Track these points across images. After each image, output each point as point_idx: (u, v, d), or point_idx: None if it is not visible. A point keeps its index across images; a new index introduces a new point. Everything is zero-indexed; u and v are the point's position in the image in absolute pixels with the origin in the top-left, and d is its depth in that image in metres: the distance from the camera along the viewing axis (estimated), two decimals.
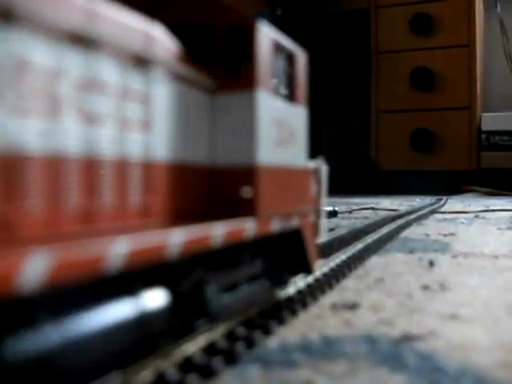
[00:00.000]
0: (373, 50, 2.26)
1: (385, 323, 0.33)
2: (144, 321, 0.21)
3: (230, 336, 0.28)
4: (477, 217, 1.07)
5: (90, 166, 0.20)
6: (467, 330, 0.31)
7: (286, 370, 0.25)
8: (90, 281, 0.18)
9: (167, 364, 0.23)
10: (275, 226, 0.31)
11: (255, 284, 0.31)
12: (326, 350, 0.28)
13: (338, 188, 2.23)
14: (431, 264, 0.52)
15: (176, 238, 0.21)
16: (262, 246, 0.32)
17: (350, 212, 1.17)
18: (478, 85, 2.16)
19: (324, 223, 0.41)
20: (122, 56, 0.22)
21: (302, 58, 0.37)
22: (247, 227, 0.27)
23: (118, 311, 0.20)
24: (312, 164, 0.39)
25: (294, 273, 0.37)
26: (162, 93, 0.25)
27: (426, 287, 0.42)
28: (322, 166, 0.40)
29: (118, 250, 0.18)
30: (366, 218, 1.01)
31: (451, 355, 0.27)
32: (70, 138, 0.19)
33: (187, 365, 0.24)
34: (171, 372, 0.23)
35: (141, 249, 0.19)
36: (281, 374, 0.25)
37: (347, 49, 2.36)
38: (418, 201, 1.57)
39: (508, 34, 2.38)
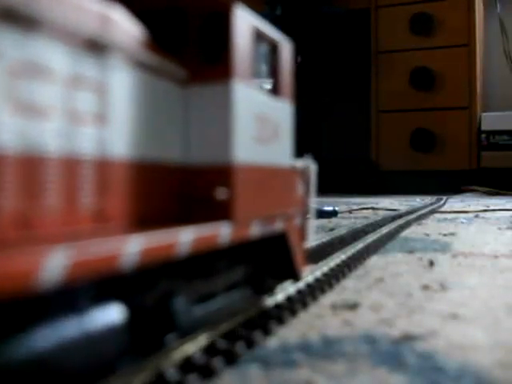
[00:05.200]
0: (373, 50, 2.26)
1: (385, 323, 0.33)
2: (90, 340, 0.19)
3: (230, 336, 0.28)
4: (477, 216, 1.07)
5: (30, 164, 0.18)
6: (467, 330, 0.31)
7: (286, 369, 0.25)
8: (22, 299, 0.16)
9: (167, 364, 0.23)
10: (255, 230, 0.28)
11: (235, 293, 0.29)
12: (325, 349, 0.28)
13: (338, 188, 2.24)
14: (431, 264, 0.52)
15: (133, 246, 0.19)
16: (243, 251, 0.30)
17: (350, 212, 1.17)
18: (478, 85, 2.17)
19: (312, 226, 0.38)
20: (71, 39, 0.20)
21: (286, 48, 0.34)
22: (221, 232, 0.25)
23: (55, 333, 0.17)
24: (299, 163, 0.36)
25: (281, 280, 0.35)
26: (121, 82, 0.22)
27: (425, 287, 0.42)
28: (310, 166, 0.37)
29: (56, 261, 0.16)
30: (366, 217, 1.01)
31: (451, 355, 0.27)
32: (2, 131, 0.17)
33: (187, 365, 0.24)
34: (171, 372, 0.23)
35: (85, 259, 0.17)
36: (281, 373, 0.25)
37: (347, 49, 2.36)
38: (417, 200, 1.57)
39: (508, 34, 2.38)
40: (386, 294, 0.40)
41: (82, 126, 0.20)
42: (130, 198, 0.23)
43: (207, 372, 0.24)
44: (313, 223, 0.38)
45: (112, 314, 0.20)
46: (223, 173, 0.26)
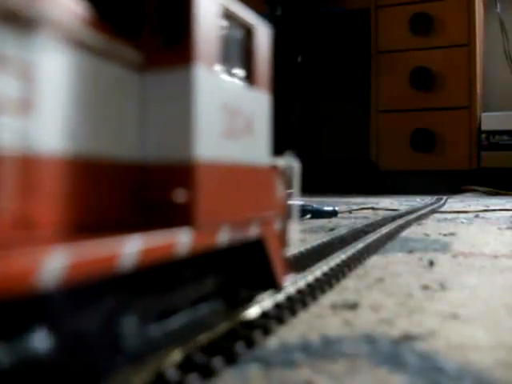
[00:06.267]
0: (373, 50, 2.26)
1: (385, 323, 0.33)
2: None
3: (230, 336, 0.28)
4: (477, 216, 1.07)
5: None
6: (467, 330, 0.31)
7: (285, 369, 0.25)
8: None
9: (167, 364, 0.23)
10: (223, 237, 0.25)
11: (203, 307, 0.26)
12: (325, 349, 0.28)
13: (338, 188, 2.24)
14: (431, 264, 0.52)
15: (56, 260, 0.16)
16: (213, 260, 0.27)
17: (350, 212, 1.17)
18: (478, 85, 2.17)
19: (295, 231, 0.34)
20: None
21: (263, 32, 0.30)
22: (179, 240, 0.21)
23: None
24: (280, 162, 0.33)
25: (259, 290, 0.32)
26: (54, 64, 0.19)
27: (425, 287, 0.42)
28: (292, 164, 0.34)
29: None
30: (366, 217, 1.01)
31: (451, 355, 0.27)
32: None
33: (187, 365, 0.24)
34: (171, 372, 0.23)
35: None
36: (281, 373, 0.25)
37: (347, 48, 2.36)
38: (417, 200, 1.57)
39: (508, 34, 2.38)
40: (385, 294, 0.40)
41: None
42: (66, 202, 0.19)
43: (207, 372, 0.24)
44: (296, 227, 0.35)
45: (31, 343, 0.17)
46: (182, 172, 0.23)
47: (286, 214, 0.33)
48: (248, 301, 0.31)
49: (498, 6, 2.35)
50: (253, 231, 0.28)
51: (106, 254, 0.18)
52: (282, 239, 0.33)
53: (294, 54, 2.32)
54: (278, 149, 0.34)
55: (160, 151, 0.23)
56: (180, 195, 0.23)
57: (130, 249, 0.19)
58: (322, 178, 2.36)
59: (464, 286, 0.43)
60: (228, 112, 0.26)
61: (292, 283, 0.36)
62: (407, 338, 0.30)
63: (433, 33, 2.17)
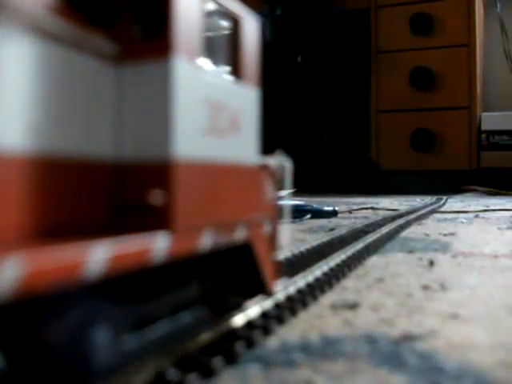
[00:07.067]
0: (373, 50, 2.26)
1: (385, 323, 0.33)
2: None
3: (230, 336, 0.28)
4: (477, 216, 1.07)
5: None
6: (467, 330, 0.31)
7: (286, 369, 0.25)
8: None
9: (167, 364, 0.23)
10: (206, 241, 0.23)
11: (185, 315, 0.25)
12: (325, 349, 0.28)
13: (338, 188, 2.24)
14: (431, 264, 0.52)
15: (11, 268, 0.14)
16: (197, 266, 0.26)
17: (350, 212, 1.17)
18: (478, 84, 2.17)
19: (286, 234, 0.33)
20: None
21: (251, 24, 0.28)
22: (155, 246, 0.20)
23: None
24: (270, 161, 0.31)
25: (248, 296, 0.30)
26: (15, 54, 0.17)
27: (426, 287, 0.42)
28: (283, 164, 0.32)
29: None
30: (366, 217, 1.01)
31: (451, 355, 0.27)
32: None
33: (187, 365, 0.24)
34: (171, 372, 0.23)
35: None
36: (281, 373, 0.25)
37: (347, 48, 2.36)
38: (417, 200, 1.57)
39: (508, 34, 2.38)
40: (385, 294, 0.40)
41: None
42: (30, 204, 0.18)
43: (207, 372, 0.24)
44: (287, 230, 0.33)
45: None
46: (160, 171, 0.21)
47: (277, 215, 0.32)
48: (235, 308, 0.29)
49: (498, 5, 2.35)
50: (239, 234, 0.26)
51: (68, 261, 0.16)
52: (272, 242, 0.31)
53: (294, 53, 2.32)
54: (278, 149, 0.33)
55: (136, 149, 0.22)
56: (157, 196, 0.21)
57: (98, 255, 0.17)
58: (321, 178, 2.36)
59: (464, 286, 0.43)
60: (211, 107, 0.24)
61: (284, 288, 0.34)
62: (407, 337, 0.30)
63: (433, 33, 2.17)
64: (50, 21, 0.19)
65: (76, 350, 0.18)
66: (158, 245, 0.20)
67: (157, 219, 0.21)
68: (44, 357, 0.17)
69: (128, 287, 0.21)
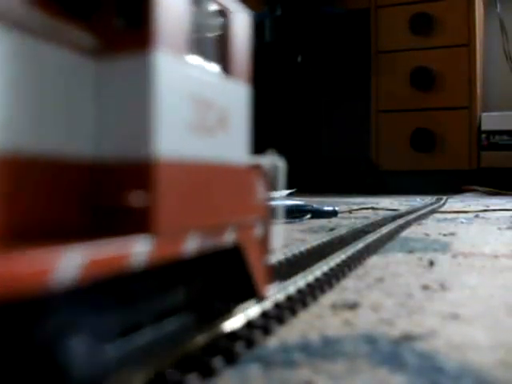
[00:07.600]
0: (373, 50, 2.26)
1: (385, 323, 0.33)
2: None
3: (230, 336, 0.28)
4: (477, 216, 1.07)
5: None
6: (467, 330, 0.31)
7: (286, 369, 0.25)
8: None
9: (167, 364, 0.23)
10: (191, 245, 0.22)
11: (170, 322, 0.24)
12: (325, 349, 0.28)
13: (338, 188, 2.24)
14: (431, 264, 0.52)
15: None
16: (183, 271, 0.25)
17: (350, 212, 1.17)
18: (478, 84, 2.17)
19: (279, 236, 0.31)
20: None
21: (242, 18, 0.27)
22: (134, 251, 0.19)
23: None
24: (262, 161, 0.30)
25: (239, 301, 0.29)
26: None
27: (425, 287, 0.42)
28: (276, 164, 0.31)
29: None
30: (366, 217, 1.01)
31: (451, 355, 0.27)
32: None
33: (187, 365, 0.24)
34: (171, 372, 0.23)
35: None
36: (281, 373, 0.25)
37: (347, 48, 2.36)
38: (417, 200, 1.57)
39: (508, 34, 2.38)
40: (386, 294, 0.40)
41: None
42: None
43: (207, 372, 0.24)
44: (280, 232, 0.32)
45: None
46: (141, 171, 0.20)
47: (269, 217, 0.30)
48: (224, 313, 0.28)
49: (498, 6, 2.35)
50: (228, 237, 0.25)
51: (35, 268, 0.15)
52: (264, 245, 0.30)
53: (294, 54, 2.32)
54: (278, 149, 0.33)
55: (116, 148, 0.21)
56: (138, 198, 0.20)
57: (69, 261, 0.16)
58: (321, 178, 2.36)
59: (464, 286, 0.43)
60: (198, 104, 0.23)
61: (277, 292, 0.33)
62: (407, 338, 0.30)
63: (433, 33, 2.17)
64: (23, 12, 0.18)
65: (51, 361, 0.17)
66: (138, 249, 0.19)
67: (138, 222, 0.20)
68: (16, 373, 0.16)
69: (109, 293, 0.20)
